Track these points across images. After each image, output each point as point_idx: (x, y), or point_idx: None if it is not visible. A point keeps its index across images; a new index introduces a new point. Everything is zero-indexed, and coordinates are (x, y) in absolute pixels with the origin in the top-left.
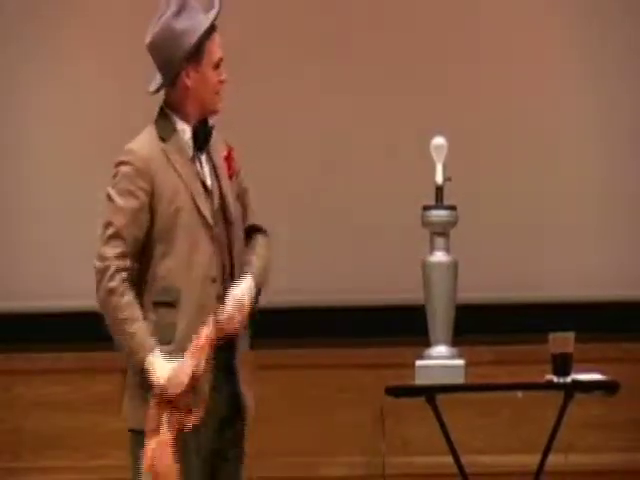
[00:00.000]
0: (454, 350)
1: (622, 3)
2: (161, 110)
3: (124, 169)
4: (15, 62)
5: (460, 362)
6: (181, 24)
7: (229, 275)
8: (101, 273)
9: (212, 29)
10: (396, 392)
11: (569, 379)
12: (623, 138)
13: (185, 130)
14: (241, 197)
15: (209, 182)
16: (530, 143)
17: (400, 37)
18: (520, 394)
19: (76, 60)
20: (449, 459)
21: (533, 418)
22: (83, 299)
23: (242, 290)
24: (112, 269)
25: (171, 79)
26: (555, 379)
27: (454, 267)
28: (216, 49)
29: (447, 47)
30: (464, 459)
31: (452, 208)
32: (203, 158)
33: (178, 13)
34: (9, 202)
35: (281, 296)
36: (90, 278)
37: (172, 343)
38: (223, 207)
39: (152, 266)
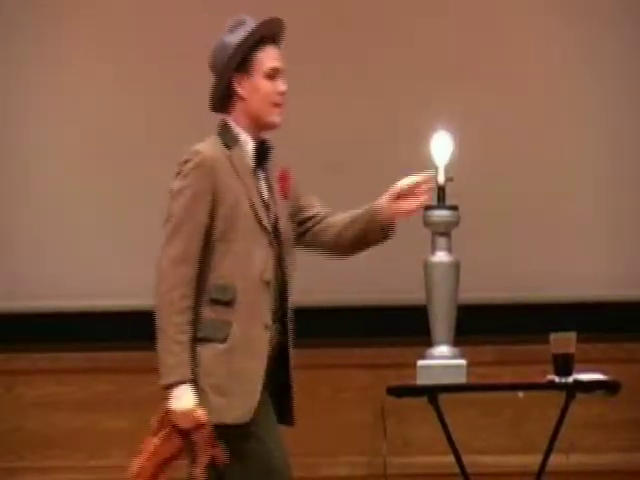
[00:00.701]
0: (456, 350)
1: (622, 3)
2: (224, 123)
3: (189, 167)
4: (14, 61)
5: (462, 362)
6: (233, 37)
7: (281, 283)
8: (164, 276)
9: (263, 40)
10: (397, 392)
11: (570, 379)
12: (624, 138)
13: (247, 142)
14: (301, 201)
15: (266, 196)
16: (531, 143)
17: (400, 36)
18: (521, 394)
19: (76, 60)
20: (450, 459)
21: (535, 418)
22: (84, 299)
23: None
24: (176, 278)
25: (223, 89)
26: (557, 379)
27: (456, 267)
28: (267, 59)
29: (448, 47)
30: (465, 459)
31: (454, 208)
32: (261, 174)
33: (233, 29)
34: (9, 202)
35: None
36: (90, 278)
37: (227, 341)
38: (276, 223)
39: (211, 264)
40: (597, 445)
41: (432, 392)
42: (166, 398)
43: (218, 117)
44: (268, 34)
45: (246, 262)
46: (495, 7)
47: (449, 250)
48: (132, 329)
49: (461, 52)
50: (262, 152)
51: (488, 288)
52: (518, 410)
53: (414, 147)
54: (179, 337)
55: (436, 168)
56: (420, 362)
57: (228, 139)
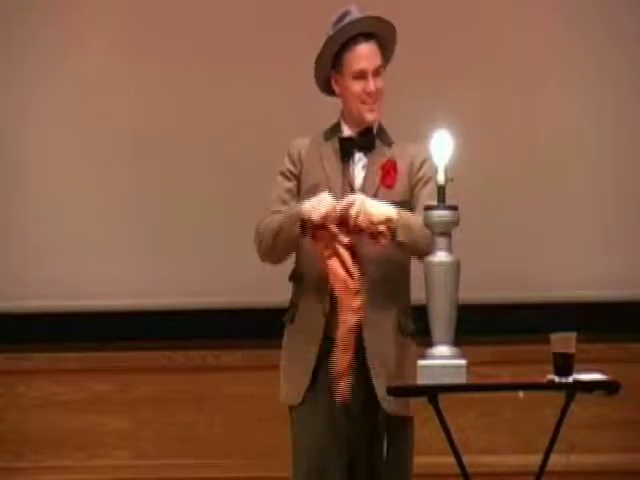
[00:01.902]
0: (456, 350)
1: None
2: (339, 116)
3: (285, 157)
4: (14, 61)
5: (462, 362)
6: (333, 32)
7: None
8: (256, 242)
9: (351, 40)
10: (398, 392)
11: (571, 379)
12: (624, 138)
13: (344, 133)
14: (414, 190)
15: (357, 183)
16: (531, 143)
17: (401, 36)
18: (521, 394)
19: (76, 60)
20: (451, 459)
21: (535, 418)
22: (84, 299)
23: (379, 203)
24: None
25: (322, 85)
26: (557, 379)
27: (456, 267)
28: (354, 60)
29: (447, 47)
30: (466, 459)
31: (454, 208)
32: (361, 163)
33: (335, 22)
34: (9, 202)
35: (282, 296)
36: (90, 278)
37: (294, 322)
38: None
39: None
40: (597, 445)
41: (432, 392)
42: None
43: (218, 117)
44: (364, 32)
45: (313, 248)
46: (496, 7)
47: (449, 250)
48: (132, 329)
49: (461, 52)
50: (364, 140)
51: (488, 288)
52: (518, 410)
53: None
54: (270, 219)
55: (435, 168)
56: (420, 362)
57: (330, 132)
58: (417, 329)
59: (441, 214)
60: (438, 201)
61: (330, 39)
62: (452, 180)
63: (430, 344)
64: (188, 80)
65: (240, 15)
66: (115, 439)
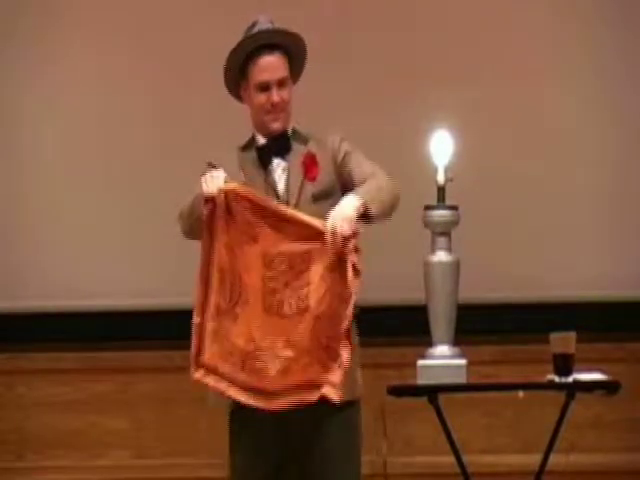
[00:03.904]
0: (456, 350)
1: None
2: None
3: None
4: (14, 61)
5: (462, 362)
6: (236, 44)
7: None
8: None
9: (258, 51)
10: (398, 392)
11: (570, 379)
12: (624, 138)
13: (259, 140)
14: (344, 170)
15: (280, 188)
16: (531, 143)
17: (401, 36)
18: (521, 394)
19: (76, 60)
20: (451, 459)
21: (534, 418)
22: (83, 299)
23: (342, 205)
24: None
25: (234, 93)
26: (556, 379)
27: (456, 267)
28: (257, 72)
29: (448, 47)
30: (466, 459)
31: (454, 208)
32: (281, 167)
33: (247, 31)
34: (9, 203)
35: None
36: (90, 278)
37: None
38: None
39: None
40: (597, 445)
41: (432, 392)
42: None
43: (219, 117)
44: (266, 43)
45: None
46: (496, 8)
47: (449, 250)
48: (132, 329)
49: (461, 52)
50: (280, 144)
51: (488, 288)
52: (518, 410)
53: (414, 147)
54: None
55: (435, 167)
56: (420, 362)
57: (247, 143)
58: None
59: (441, 214)
60: (438, 201)
61: (234, 51)
62: (452, 180)
63: (430, 344)
64: (190, 82)
65: (240, 16)
66: (115, 439)
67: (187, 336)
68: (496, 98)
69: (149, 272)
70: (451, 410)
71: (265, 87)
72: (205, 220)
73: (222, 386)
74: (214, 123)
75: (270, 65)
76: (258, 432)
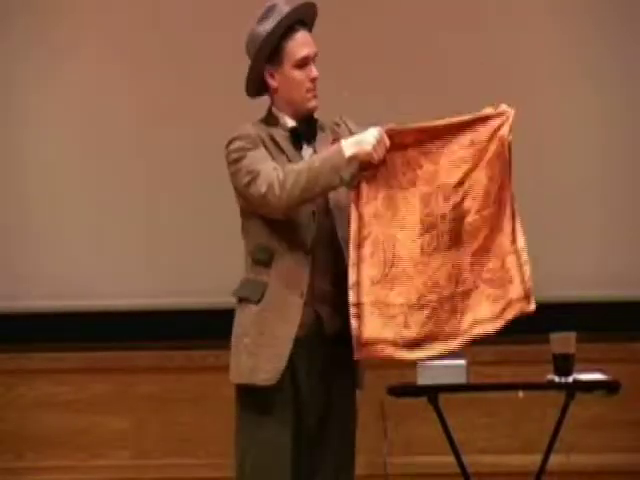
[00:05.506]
0: None
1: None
2: (268, 109)
3: (236, 142)
4: (14, 61)
5: (462, 362)
6: (263, 27)
7: (333, 253)
8: (271, 193)
9: (293, 27)
10: (398, 392)
11: (570, 379)
12: (622, 139)
13: (288, 122)
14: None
15: None
16: (530, 144)
17: (401, 35)
18: (521, 394)
19: (76, 60)
20: (451, 459)
21: (535, 418)
22: (84, 299)
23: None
24: (276, 182)
25: (257, 78)
26: (556, 379)
27: None
28: (297, 48)
29: (448, 47)
30: (466, 459)
31: None
32: (308, 153)
33: (263, 17)
34: (10, 203)
35: None
36: (90, 278)
37: (261, 302)
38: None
39: (257, 225)
40: (597, 445)
41: (432, 392)
42: None
43: (219, 116)
44: (297, 20)
45: (286, 227)
46: (496, 10)
47: None
48: (132, 329)
49: (461, 52)
50: (308, 130)
51: None
52: (518, 410)
53: None
54: (303, 174)
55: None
56: (420, 362)
57: (270, 121)
58: None
59: None
60: None
61: (271, 33)
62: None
63: None
64: (190, 81)
65: (240, 17)
66: (115, 439)
67: (187, 336)
68: (497, 98)
69: (149, 272)
70: (451, 410)
71: (304, 63)
72: (356, 186)
73: (389, 351)
74: (217, 123)
75: (307, 40)
76: (281, 406)
